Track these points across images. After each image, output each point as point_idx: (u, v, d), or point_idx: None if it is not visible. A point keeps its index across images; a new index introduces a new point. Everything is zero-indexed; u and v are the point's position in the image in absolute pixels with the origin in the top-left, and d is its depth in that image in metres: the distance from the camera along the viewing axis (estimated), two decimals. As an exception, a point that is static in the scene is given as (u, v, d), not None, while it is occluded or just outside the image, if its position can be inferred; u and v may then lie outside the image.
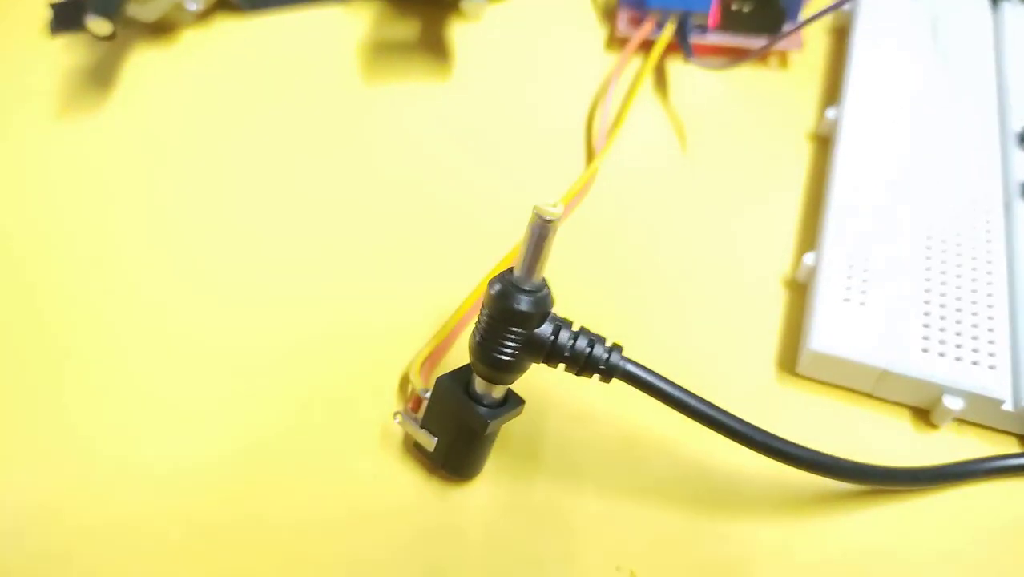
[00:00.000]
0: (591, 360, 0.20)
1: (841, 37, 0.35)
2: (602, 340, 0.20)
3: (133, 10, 0.32)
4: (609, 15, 0.35)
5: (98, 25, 0.29)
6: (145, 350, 0.25)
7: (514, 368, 0.19)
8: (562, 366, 0.20)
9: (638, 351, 0.21)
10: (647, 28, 0.32)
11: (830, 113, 0.30)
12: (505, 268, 0.19)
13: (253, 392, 0.24)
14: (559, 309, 0.20)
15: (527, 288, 0.19)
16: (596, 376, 0.20)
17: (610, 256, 0.27)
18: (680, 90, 0.32)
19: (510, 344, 0.19)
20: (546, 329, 0.19)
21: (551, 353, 0.19)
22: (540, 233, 0.18)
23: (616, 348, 0.20)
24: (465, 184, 0.29)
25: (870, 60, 0.31)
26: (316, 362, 0.24)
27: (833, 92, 0.32)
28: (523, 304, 0.19)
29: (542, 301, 0.19)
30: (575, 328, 0.20)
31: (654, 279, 0.27)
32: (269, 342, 0.25)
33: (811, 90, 0.33)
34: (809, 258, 0.25)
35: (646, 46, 0.33)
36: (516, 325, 0.19)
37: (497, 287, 0.19)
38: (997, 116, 0.29)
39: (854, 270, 0.25)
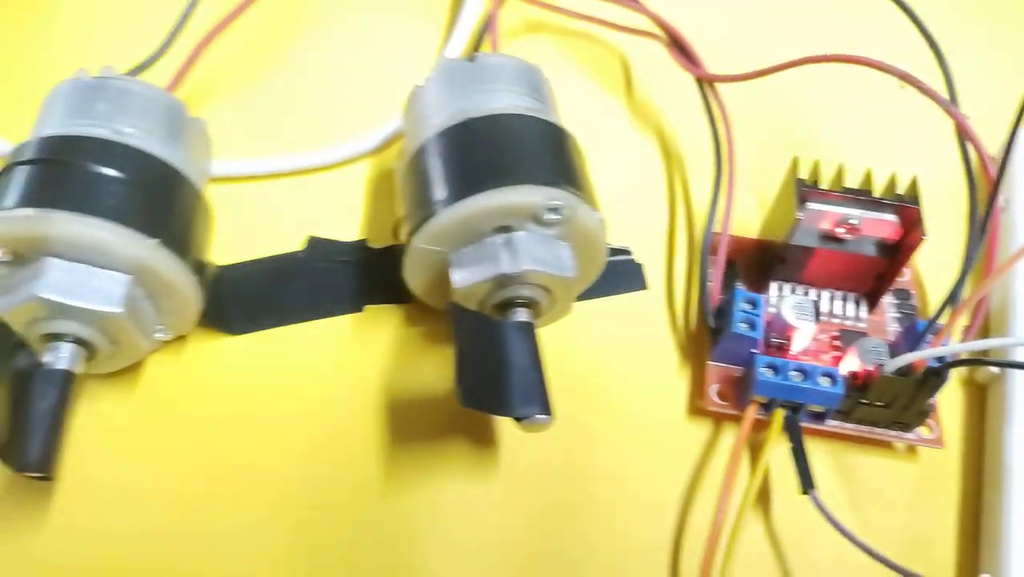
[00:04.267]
0: None
1: (981, 394, 0.27)
2: None
3: (88, 368, 0.24)
4: (691, 354, 0.28)
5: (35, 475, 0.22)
6: None
7: None
8: None
9: None
10: (750, 418, 0.25)
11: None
12: None
13: None
14: None
15: None
16: None
17: None
18: (790, 507, 0.25)
19: None
20: None
21: None
22: None
23: None
24: None
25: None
26: None
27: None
28: None
29: None
30: None
31: None
32: None
33: (949, 490, 0.26)
34: None
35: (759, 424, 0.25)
36: None
37: None
38: None
39: None
